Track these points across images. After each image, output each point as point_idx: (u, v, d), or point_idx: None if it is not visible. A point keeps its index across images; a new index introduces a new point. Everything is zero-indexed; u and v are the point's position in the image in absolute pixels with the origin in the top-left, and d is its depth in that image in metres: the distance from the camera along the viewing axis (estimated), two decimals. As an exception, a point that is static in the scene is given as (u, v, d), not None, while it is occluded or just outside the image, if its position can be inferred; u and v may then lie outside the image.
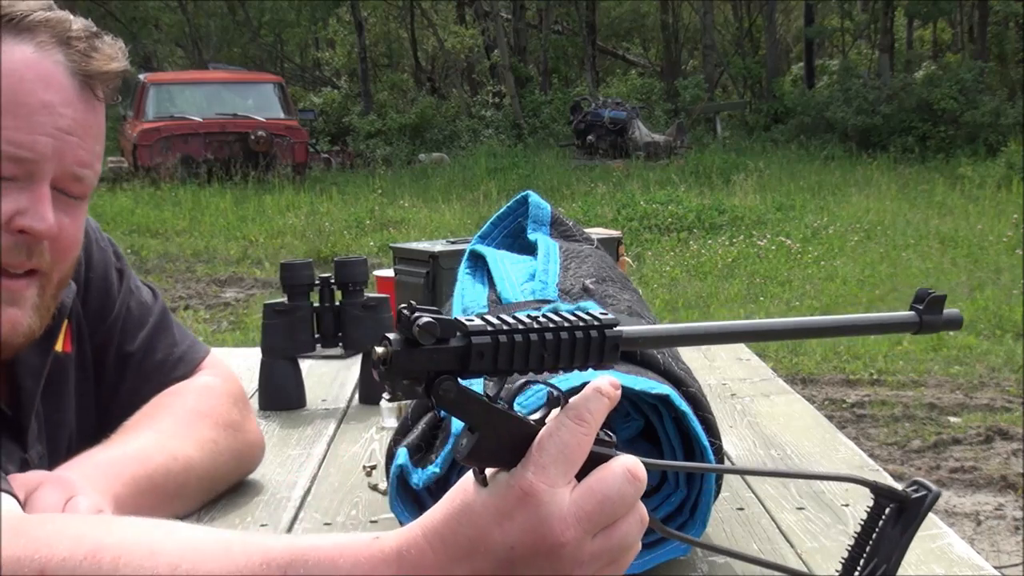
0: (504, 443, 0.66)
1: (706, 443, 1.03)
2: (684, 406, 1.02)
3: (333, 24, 24.02)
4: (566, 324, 0.66)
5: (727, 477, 1.24)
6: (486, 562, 0.66)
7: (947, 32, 25.24)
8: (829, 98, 18.15)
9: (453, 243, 1.86)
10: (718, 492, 1.09)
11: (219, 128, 14.35)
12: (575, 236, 1.32)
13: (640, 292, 1.33)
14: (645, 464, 0.69)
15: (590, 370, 0.69)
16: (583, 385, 0.69)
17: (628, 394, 1.01)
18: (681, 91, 19.69)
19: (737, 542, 1.12)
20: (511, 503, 0.65)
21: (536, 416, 0.67)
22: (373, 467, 1.37)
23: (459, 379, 0.64)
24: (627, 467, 0.68)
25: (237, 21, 25.55)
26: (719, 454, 1.08)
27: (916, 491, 0.75)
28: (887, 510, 0.76)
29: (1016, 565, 3.41)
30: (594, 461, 0.67)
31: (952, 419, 4.89)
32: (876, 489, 0.76)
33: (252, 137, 14.21)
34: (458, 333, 0.64)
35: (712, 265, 8.80)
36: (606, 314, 0.67)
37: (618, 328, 0.67)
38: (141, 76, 15.81)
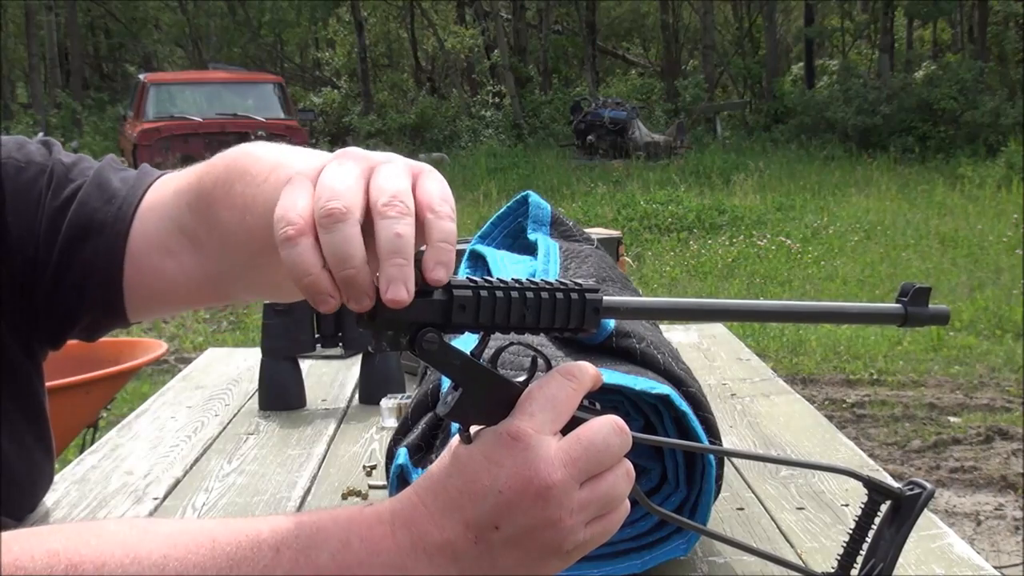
0: (488, 401, 0.68)
1: (707, 443, 1.03)
2: (684, 406, 1.02)
3: (333, 24, 24.04)
4: (547, 286, 0.68)
5: (727, 477, 1.24)
6: (477, 509, 0.67)
7: (947, 32, 25.23)
8: (829, 98, 18.15)
9: (453, 243, 1.86)
10: (718, 492, 1.09)
11: (219, 128, 14.34)
12: (575, 236, 1.32)
13: (640, 292, 1.33)
14: (635, 439, 0.71)
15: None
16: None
17: (628, 394, 1.01)
18: (681, 91, 19.70)
19: (737, 542, 1.12)
20: (499, 448, 0.67)
21: (520, 380, 0.69)
22: (373, 467, 1.38)
23: (443, 334, 0.66)
24: (613, 420, 0.70)
25: (237, 21, 25.57)
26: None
27: (911, 489, 0.76)
28: (882, 508, 0.77)
29: (1016, 565, 3.41)
30: (579, 425, 0.69)
31: (952, 419, 4.89)
32: (869, 484, 0.76)
33: (252, 137, 14.19)
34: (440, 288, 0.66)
35: (712, 265, 8.80)
36: (588, 282, 0.70)
37: (599, 294, 0.69)
38: (141, 76, 15.83)
